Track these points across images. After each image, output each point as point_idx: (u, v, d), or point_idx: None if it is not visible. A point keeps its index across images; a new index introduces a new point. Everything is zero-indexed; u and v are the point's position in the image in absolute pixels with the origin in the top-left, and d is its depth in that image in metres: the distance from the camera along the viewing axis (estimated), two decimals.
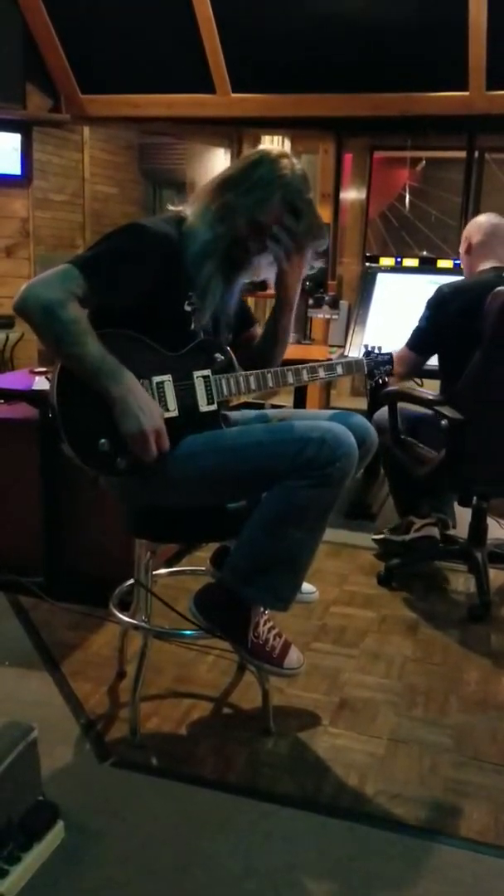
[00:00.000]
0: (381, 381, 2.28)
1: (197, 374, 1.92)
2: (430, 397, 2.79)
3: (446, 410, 2.65)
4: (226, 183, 1.90)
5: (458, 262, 3.72)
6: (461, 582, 3.10)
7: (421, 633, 2.68)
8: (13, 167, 5.28)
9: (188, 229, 1.90)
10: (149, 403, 1.79)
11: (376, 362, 2.26)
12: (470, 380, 2.68)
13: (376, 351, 2.27)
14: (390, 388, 2.75)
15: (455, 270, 3.68)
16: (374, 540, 3.30)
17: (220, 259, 1.89)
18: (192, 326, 1.92)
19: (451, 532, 3.14)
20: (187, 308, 1.90)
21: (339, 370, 2.18)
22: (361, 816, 1.80)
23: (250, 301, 4.79)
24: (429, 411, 2.81)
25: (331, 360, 3.64)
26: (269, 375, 2.00)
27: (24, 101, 5.08)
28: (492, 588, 2.91)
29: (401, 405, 2.93)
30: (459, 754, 2.04)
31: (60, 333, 1.72)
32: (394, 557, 3.09)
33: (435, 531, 3.07)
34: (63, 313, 1.70)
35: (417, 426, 2.99)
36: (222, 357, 1.96)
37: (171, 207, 1.98)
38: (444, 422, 2.65)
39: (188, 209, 1.94)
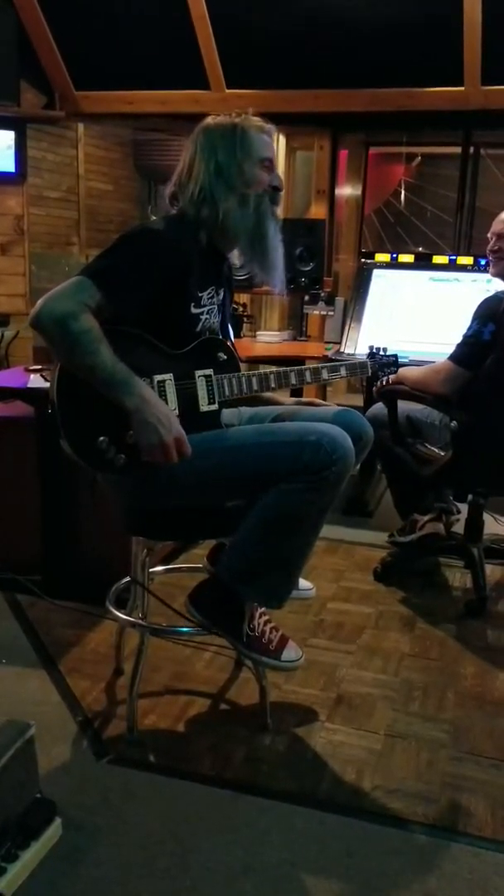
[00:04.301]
0: (384, 382, 2.27)
1: (199, 373, 1.92)
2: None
3: (456, 413, 2.63)
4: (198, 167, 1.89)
5: (453, 257, 3.72)
6: (458, 577, 3.11)
7: (418, 628, 2.68)
8: (7, 164, 5.27)
9: (226, 221, 1.90)
10: (165, 412, 1.77)
11: (381, 364, 2.25)
12: (483, 383, 2.63)
13: (381, 352, 2.26)
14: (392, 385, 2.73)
15: (451, 266, 3.67)
16: (388, 542, 3.17)
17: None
18: (198, 328, 1.92)
19: (456, 518, 3.10)
20: (194, 311, 1.90)
21: (343, 372, 2.17)
22: (359, 812, 1.81)
23: (245, 298, 4.78)
24: (420, 408, 2.80)
25: (328, 357, 3.64)
26: (272, 376, 2.00)
27: (17, 99, 5.08)
28: (488, 583, 2.91)
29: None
30: (457, 749, 2.04)
31: (72, 344, 1.70)
32: (403, 558, 3.06)
33: (440, 527, 3.05)
34: (74, 324, 1.69)
35: (413, 423, 2.98)
36: (225, 356, 1.96)
37: (172, 211, 1.97)
38: (453, 423, 2.65)
39: (190, 208, 1.91)
